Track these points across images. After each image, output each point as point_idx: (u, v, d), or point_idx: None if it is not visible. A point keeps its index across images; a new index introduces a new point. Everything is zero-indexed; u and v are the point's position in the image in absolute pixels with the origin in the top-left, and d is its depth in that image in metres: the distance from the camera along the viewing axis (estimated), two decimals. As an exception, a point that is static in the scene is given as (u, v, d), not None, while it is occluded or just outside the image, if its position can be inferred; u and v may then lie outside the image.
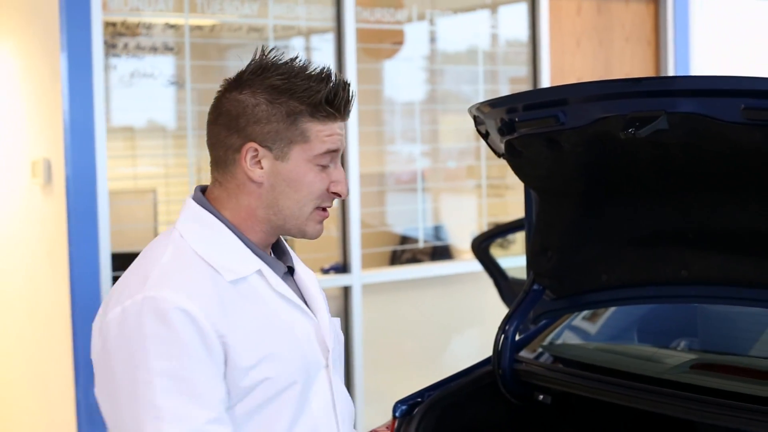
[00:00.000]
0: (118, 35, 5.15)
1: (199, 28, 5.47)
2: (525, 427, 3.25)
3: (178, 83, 5.32)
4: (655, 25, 6.87)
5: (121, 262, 5.25)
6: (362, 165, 6.19)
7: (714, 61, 7.15)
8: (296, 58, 2.17)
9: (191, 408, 2.00)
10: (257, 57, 2.18)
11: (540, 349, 3.51)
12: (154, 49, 5.28)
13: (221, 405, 2.05)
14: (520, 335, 3.45)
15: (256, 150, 2.12)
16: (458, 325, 6.53)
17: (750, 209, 2.83)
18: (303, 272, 2.33)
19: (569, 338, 3.77)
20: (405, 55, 6.44)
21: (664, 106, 2.63)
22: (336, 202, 2.39)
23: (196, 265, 2.10)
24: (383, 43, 6.36)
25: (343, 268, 5.81)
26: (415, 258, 6.98)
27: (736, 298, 3.02)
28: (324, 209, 2.20)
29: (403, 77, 6.65)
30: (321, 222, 2.21)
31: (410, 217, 6.73)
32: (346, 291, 5.83)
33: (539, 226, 3.27)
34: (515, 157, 3.06)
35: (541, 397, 3.30)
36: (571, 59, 6.53)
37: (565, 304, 3.37)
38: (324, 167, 2.17)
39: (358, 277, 5.81)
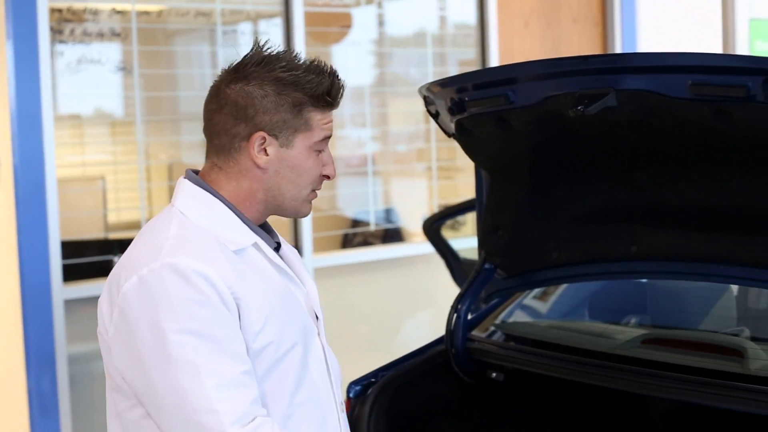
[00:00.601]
0: (65, 21, 5.10)
1: (146, 13, 5.43)
2: (478, 405, 3.27)
3: (126, 69, 5.28)
4: (602, 5, 6.90)
5: (71, 249, 5.21)
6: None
7: (661, 40, 7.20)
8: (291, 51, 2.31)
9: (225, 362, 2.10)
10: (256, 49, 2.30)
11: (493, 328, 3.53)
12: (100, 35, 5.23)
13: (248, 358, 2.15)
14: (473, 314, 3.47)
15: (264, 138, 2.25)
16: (411, 307, 6.54)
17: (699, 185, 2.87)
18: (288, 249, 2.45)
19: (522, 316, 3.79)
20: (353, 39, 6.43)
21: (612, 83, 2.64)
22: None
23: (202, 235, 2.21)
24: (331, 26, 6.35)
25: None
26: (366, 241, 6.99)
27: (685, 273, 3.06)
28: (315, 191, 2.36)
29: (352, 61, 6.64)
30: (311, 203, 2.36)
31: (361, 201, 6.73)
32: (298, 275, 5.81)
33: (490, 205, 3.29)
34: (465, 136, 3.07)
35: (494, 374, 3.32)
36: (519, 41, 6.54)
37: (517, 282, 3.40)
38: (319, 152, 2.32)
39: (309, 260, 5.81)
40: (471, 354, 3.32)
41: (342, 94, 2.33)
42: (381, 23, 6.55)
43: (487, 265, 3.36)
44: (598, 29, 6.85)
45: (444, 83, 3.00)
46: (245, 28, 5.99)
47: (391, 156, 7.12)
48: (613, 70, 2.68)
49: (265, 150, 2.26)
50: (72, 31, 5.15)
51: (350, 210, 6.90)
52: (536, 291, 3.85)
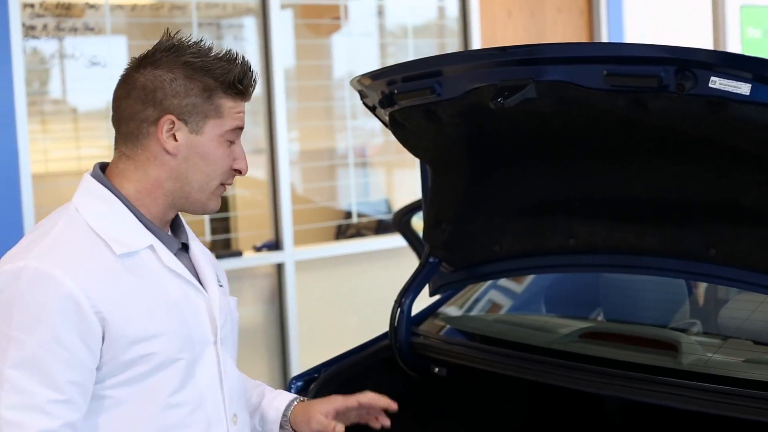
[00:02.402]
0: (37, 17, 5.11)
1: (120, 7, 5.43)
2: (422, 400, 3.24)
3: (100, 64, 5.28)
4: (587, -6, 6.85)
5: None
6: (309, 140, 6.17)
7: (648, 28, 7.13)
8: (201, 40, 2.27)
9: (35, 385, 2.04)
10: (165, 38, 2.26)
11: (439, 322, 3.50)
12: (74, 30, 5.24)
13: (73, 388, 2.08)
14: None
15: (173, 122, 2.20)
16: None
17: (625, 176, 2.83)
18: (197, 249, 2.39)
19: (483, 307, 3.76)
20: (352, 30, 6.42)
21: (531, 74, 2.61)
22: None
23: (85, 237, 2.16)
24: (323, 18, 6.33)
25: (275, 245, 5.79)
26: (360, 233, 6.97)
27: (620, 266, 3.03)
28: (224, 186, 2.30)
29: (352, 52, 6.63)
30: (220, 197, 2.31)
31: (349, 192, 6.71)
32: (279, 268, 5.81)
33: (433, 198, 3.26)
34: (399, 129, 3.04)
35: (437, 369, 3.29)
36: (502, 30, 6.50)
37: (462, 275, 3.37)
38: (231, 144, 2.26)
39: (290, 254, 5.80)
40: (415, 349, 3.29)
41: (254, 85, 2.28)
42: (380, 13, 6.52)
43: (431, 259, 3.33)
44: (584, 18, 6.78)
45: (374, 76, 2.97)
46: (222, 21, 5.98)
47: (392, 147, 7.10)
48: (531, 61, 2.64)
49: (174, 135, 2.21)
50: (45, 26, 5.15)
51: (341, 202, 6.88)
52: (503, 281, 3.82)
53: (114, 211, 2.21)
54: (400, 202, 6.90)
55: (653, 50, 2.42)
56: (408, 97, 2.88)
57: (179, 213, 2.37)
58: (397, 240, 6.49)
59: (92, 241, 2.16)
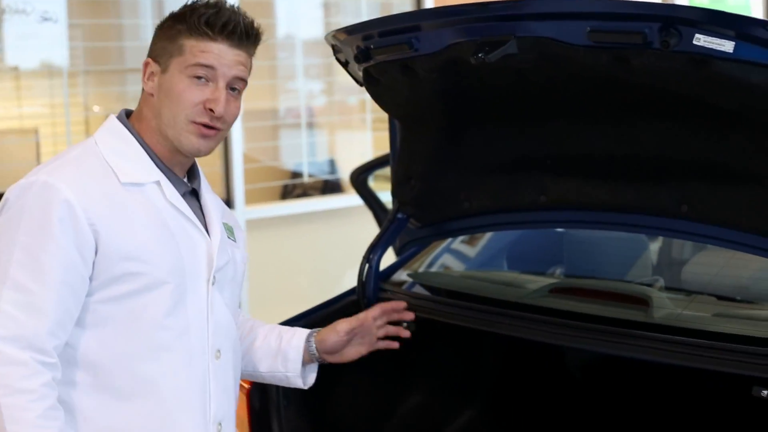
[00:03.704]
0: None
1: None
2: (390, 355, 3.25)
3: (52, 19, 5.20)
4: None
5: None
6: (254, 100, 6.14)
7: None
8: None
9: (34, 284, 2.26)
10: None
11: (407, 278, 3.52)
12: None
13: (65, 290, 2.28)
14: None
15: (148, 64, 2.43)
16: (351, 258, 6.53)
17: (603, 134, 2.86)
18: (209, 198, 2.56)
19: (443, 265, 3.78)
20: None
21: (513, 30, 2.62)
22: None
23: (95, 164, 2.37)
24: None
25: (226, 204, 5.76)
26: (305, 193, 6.98)
27: (592, 222, 3.06)
28: (201, 125, 2.40)
29: (297, 11, 6.59)
30: (199, 137, 2.41)
31: (300, 152, 6.70)
32: (230, 227, 5.77)
33: (402, 154, 3.27)
34: (373, 85, 3.04)
35: (405, 325, 3.30)
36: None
37: (430, 232, 3.38)
38: (199, 80, 2.39)
39: (242, 212, 5.78)
40: (383, 304, 3.30)
41: (226, 28, 2.39)
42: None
43: (399, 215, 3.34)
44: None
45: (350, 30, 2.96)
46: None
47: (336, 107, 7.09)
48: (513, 17, 2.64)
49: (153, 77, 2.43)
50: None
51: (289, 162, 6.87)
52: (464, 237, 3.85)
53: (129, 148, 2.42)
54: (345, 163, 6.91)
55: (638, 6, 2.44)
56: (384, 52, 2.88)
57: (196, 162, 2.55)
58: (346, 200, 6.52)
59: (101, 167, 2.37)
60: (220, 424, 2.48)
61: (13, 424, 2.20)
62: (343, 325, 2.82)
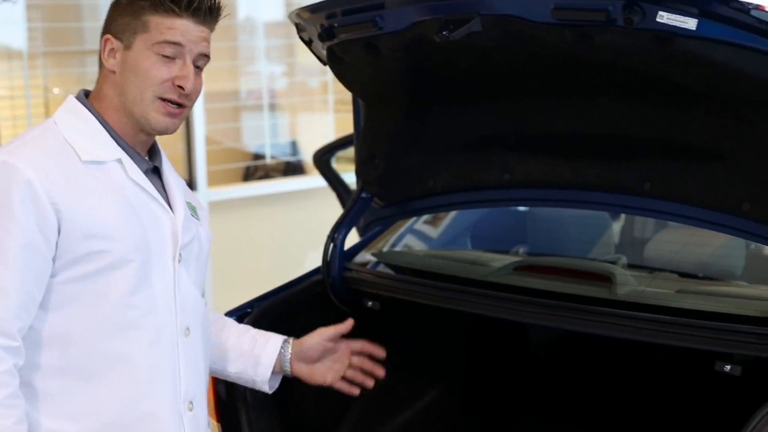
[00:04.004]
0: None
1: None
2: (355, 334, 3.25)
3: (11, 0, 5.15)
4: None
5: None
6: (215, 82, 6.11)
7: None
8: None
9: None
10: None
11: (371, 257, 3.52)
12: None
13: (27, 271, 2.24)
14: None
15: (110, 41, 2.39)
16: (314, 239, 6.53)
17: (566, 112, 2.87)
18: (171, 176, 2.54)
19: (407, 245, 3.79)
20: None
21: (477, 7, 2.61)
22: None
23: (56, 143, 2.34)
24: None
25: (188, 185, 5.74)
26: (268, 175, 6.96)
27: (556, 200, 3.08)
28: (168, 102, 2.40)
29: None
30: (166, 115, 2.41)
31: (262, 134, 6.68)
32: (192, 209, 5.75)
33: (366, 133, 3.27)
34: (337, 64, 3.03)
35: (370, 303, 3.32)
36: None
37: (394, 211, 3.39)
38: (166, 58, 2.38)
39: (204, 194, 5.76)
40: (347, 283, 3.31)
41: (192, 4, 2.38)
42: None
43: (364, 194, 3.34)
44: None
45: (314, 9, 2.95)
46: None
47: (297, 89, 7.07)
48: (477, -6, 2.65)
49: (114, 53, 2.39)
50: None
51: (251, 143, 6.85)
52: (427, 217, 3.85)
53: (89, 127, 2.39)
54: (307, 144, 6.90)
55: (602, -16, 2.45)
56: (348, 30, 2.88)
57: (156, 140, 2.52)
58: (308, 181, 6.51)
59: (61, 146, 2.34)
60: (191, 402, 2.47)
61: None
62: (327, 331, 2.81)
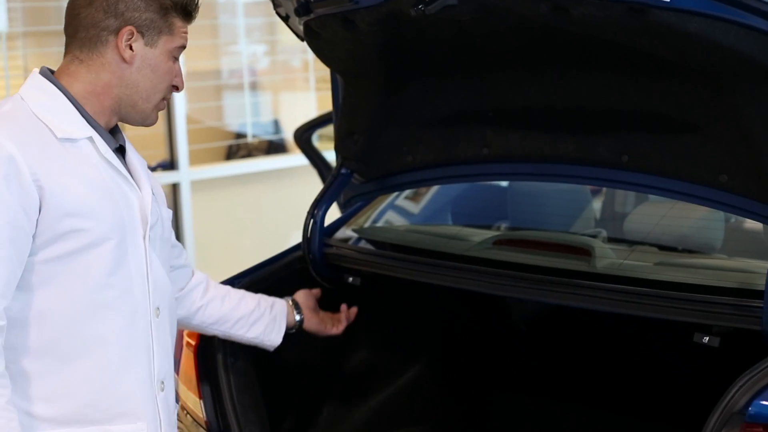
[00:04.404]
0: None
1: None
2: (336, 310, 3.27)
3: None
4: None
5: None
6: (196, 60, 6.09)
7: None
8: None
9: None
10: None
11: (351, 233, 3.52)
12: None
13: (10, 247, 2.23)
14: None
15: (132, 33, 2.38)
16: (296, 218, 6.52)
17: (543, 86, 2.87)
18: (134, 155, 2.56)
19: (388, 221, 3.79)
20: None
21: (451, -20, 2.61)
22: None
23: (29, 120, 2.32)
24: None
25: (170, 165, 5.73)
26: (250, 154, 6.95)
27: (533, 174, 3.08)
28: (165, 100, 2.51)
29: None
30: (158, 113, 2.51)
31: (243, 113, 6.67)
32: (175, 188, 5.75)
33: (345, 109, 3.27)
34: (314, 39, 3.02)
35: (351, 279, 3.32)
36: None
37: (374, 186, 3.39)
38: (175, 60, 2.47)
39: (186, 173, 5.75)
40: (328, 259, 3.31)
41: (197, 10, 2.49)
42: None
43: (343, 170, 3.35)
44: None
45: (289, -17, 2.94)
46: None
47: (279, 67, 7.04)
48: (452, -33, 2.64)
49: (131, 46, 2.39)
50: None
51: (232, 122, 6.83)
52: (407, 192, 3.85)
53: (58, 103, 2.37)
54: (289, 123, 6.89)
55: (576, -45, 2.44)
56: (325, 5, 2.86)
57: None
58: (290, 160, 6.50)
59: (35, 123, 2.32)
60: (162, 382, 2.49)
61: None
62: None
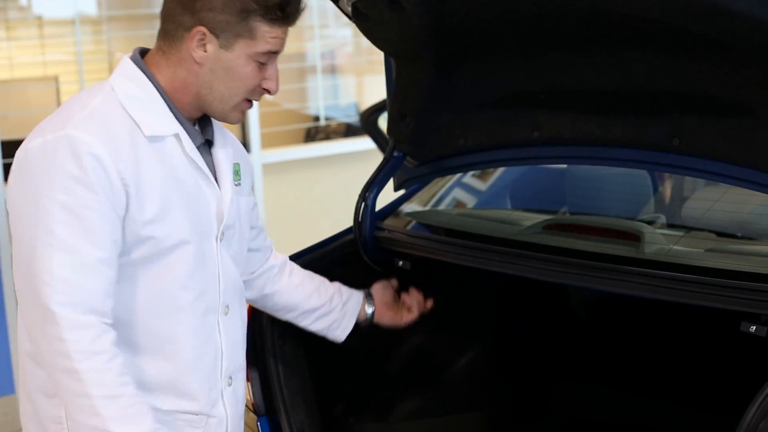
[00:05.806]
0: None
1: None
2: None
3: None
4: None
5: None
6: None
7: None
8: None
9: (83, 243, 2.18)
10: None
11: (403, 217, 3.50)
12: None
13: (113, 247, 2.23)
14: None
15: (204, 34, 2.30)
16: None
17: (593, 68, 2.80)
18: (221, 147, 2.50)
19: (446, 207, 3.76)
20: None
21: (498, -41, 2.57)
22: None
23: (119, 116, 2.28)
24: None
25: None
26: (328, 137, 6.96)
27: (584, 157, 3.03)
28: (250, 101, 2.43)
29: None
30: (242, 112, 2.43)
31: (322, 96, 6.67)
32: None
33: (398, 91, 3.23)
34: (363, 20, 3.00)
35: (401, 263, 3.30)
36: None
37: (426, 170, 3.35)
38: (262, 65, 2.36)
39: (258, 156, 5.77)
40: (379, 243, 3.29)
41: (299, 14, 2.38)
42: None
43: (396, 153, 3.32)
44: None
45: (337, -35, 2.92)
46: None
47: (361, 52, 7.04)
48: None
49: (204, 46, 2.31)
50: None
51: (311, 106, 6.84)
52: (471, 175, 3.82)
53: (147, 95, 2.34)
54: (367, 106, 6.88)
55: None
56: (370, -15, 2.84)
57: None
58: (365, 143, 6.49)
59: (124, 120, 2.28)
60: (230, 378, 2.49)
61: (98, 387, 2.16)
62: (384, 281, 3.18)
